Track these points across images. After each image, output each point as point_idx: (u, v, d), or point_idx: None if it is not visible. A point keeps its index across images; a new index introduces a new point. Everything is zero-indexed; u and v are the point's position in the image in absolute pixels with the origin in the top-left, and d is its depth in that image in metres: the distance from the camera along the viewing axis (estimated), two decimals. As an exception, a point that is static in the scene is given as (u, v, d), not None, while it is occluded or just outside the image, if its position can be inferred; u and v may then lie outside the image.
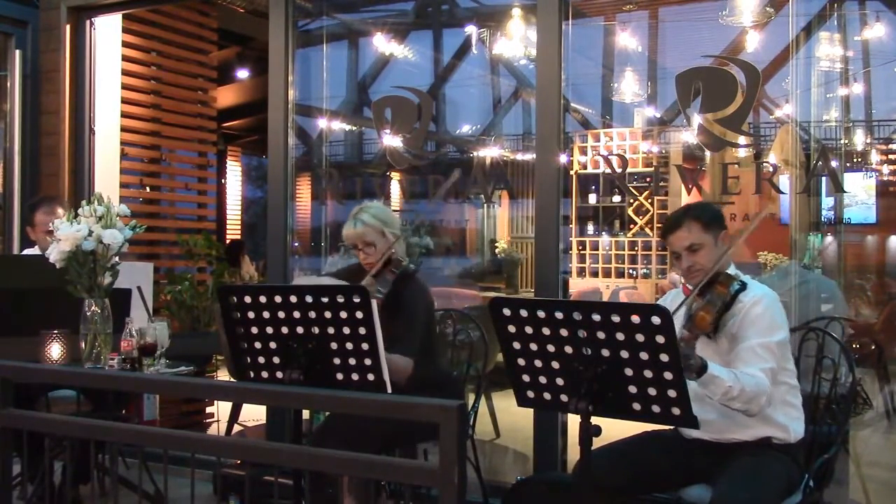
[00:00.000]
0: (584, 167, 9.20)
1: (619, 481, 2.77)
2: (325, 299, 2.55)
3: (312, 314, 2.57)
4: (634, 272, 9.05)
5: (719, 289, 2.67)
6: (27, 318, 3.24)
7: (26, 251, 4.29)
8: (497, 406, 5.48)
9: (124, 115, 5.41)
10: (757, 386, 2.55)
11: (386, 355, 2.96)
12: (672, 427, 2.82)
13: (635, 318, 2.17)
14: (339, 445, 2.73)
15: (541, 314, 2.28)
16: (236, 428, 5.18)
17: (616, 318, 2.19)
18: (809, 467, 2.76)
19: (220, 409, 5.56)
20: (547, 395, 2.39)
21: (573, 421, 2.49)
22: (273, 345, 2.66)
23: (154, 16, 5.59)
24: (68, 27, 5.10)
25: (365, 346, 2.58)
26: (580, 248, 9.30)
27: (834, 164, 5.31)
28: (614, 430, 2.72)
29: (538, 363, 2.35)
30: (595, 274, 9.22)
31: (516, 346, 2.37)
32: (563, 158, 3.90)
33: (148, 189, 5.81)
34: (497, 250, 11.33)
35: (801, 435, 2.74)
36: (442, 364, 3.51)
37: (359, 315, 2.54)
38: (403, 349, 3.07)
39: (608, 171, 9.45)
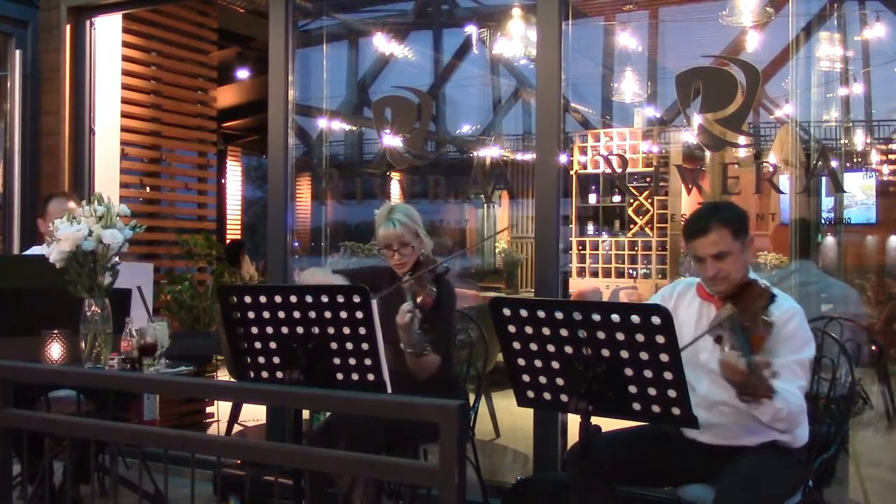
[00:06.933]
0: (584, 167, 9.19)
1: (615, 470, 2.74)
2: (325, 299, 2.55)
3: (312, 314, 2.58)
4: (634, 272, 9.04)
5: (758, 302, 2.51)
6: (27, 318, 3.23)
7: (34, 249, 4.29)
8: (497, 406, 5.47)
9: (124, 115, 5.41)
10: (799, 406, 2.52)
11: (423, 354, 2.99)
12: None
13: (635, 318, 2.17)
14: (341, 445, 2.73)
15: (541, 314, 2.28)
16: (236, 428, 5.18)
17: (616, 318, 2.19)
18: (809, 467, 2.76)
19: (220, 409, 5.56)
20: (547, 395, 2.39)
21: (573, 421, 2.50)
22: (273, 345, 2.66)
23: (154, 16, 5.58)
24: (68, 27, 5.09)
25: (365, 345, 2.58)
26: (580, 248, 9.29)
27: (834, 164, 5.31)
28: (614, 429, 2.72)
29: (538, 363, 2.35)
30: (595, 274, 9.20)
31: (516, 345, 2.37)
32: (563, 158, 3.90)
33: (148, 189, 5.80)
34: (497, 250, 11.34)
35: (806, 440, 2.72)
36: (455, 366, 3.53)
37: (359, 315, 2.55)
38: (436, 347, 3.08)
39: (608, 171, 9.47)
